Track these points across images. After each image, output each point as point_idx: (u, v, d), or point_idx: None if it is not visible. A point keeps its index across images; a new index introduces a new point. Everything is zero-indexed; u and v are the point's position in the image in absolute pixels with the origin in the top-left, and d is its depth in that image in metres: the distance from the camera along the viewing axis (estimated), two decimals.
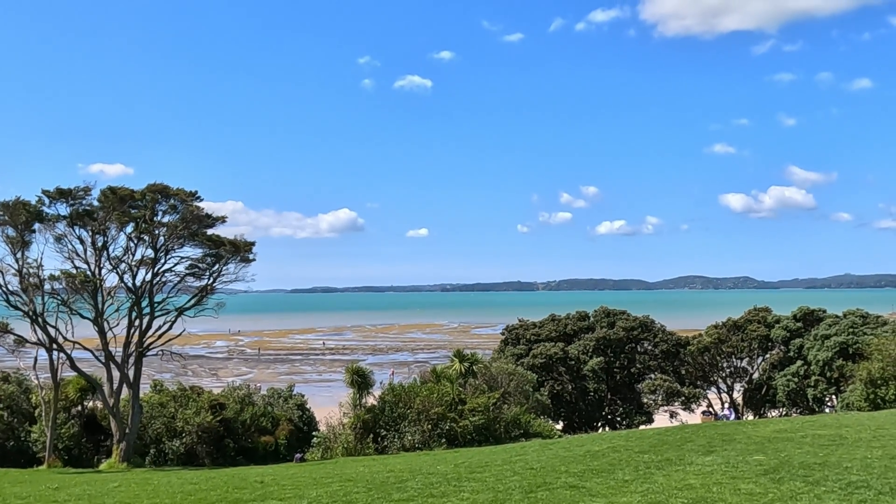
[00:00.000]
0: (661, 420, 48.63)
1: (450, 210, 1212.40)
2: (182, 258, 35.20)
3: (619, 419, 50.65)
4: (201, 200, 34.46)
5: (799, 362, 48.78)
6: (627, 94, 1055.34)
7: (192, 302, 35.38)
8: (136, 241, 33.73)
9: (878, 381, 32.48)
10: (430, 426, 30.64)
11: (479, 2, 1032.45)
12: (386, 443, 31.14)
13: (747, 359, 53.56)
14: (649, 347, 52.65)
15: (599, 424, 50.67)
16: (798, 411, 47.79)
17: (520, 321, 56.48)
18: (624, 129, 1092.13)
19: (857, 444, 15.40)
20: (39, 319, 32.12)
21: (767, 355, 52.66)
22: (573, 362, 50.46)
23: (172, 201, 33.48)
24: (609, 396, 51.86)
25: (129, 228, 33.57)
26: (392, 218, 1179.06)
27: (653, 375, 51.26)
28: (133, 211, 33.08)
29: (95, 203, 32.63)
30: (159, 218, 33.80)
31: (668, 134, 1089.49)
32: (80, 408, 38.62)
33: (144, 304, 34.42)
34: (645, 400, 50.36)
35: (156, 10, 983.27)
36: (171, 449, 35.28)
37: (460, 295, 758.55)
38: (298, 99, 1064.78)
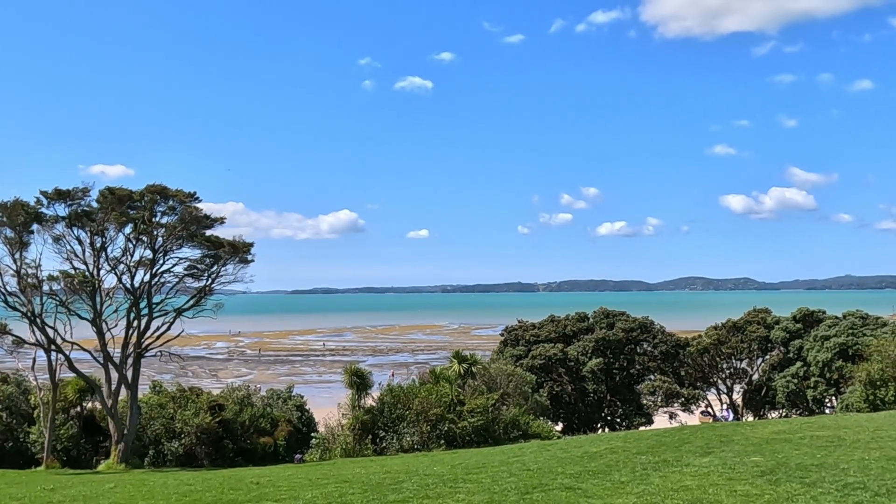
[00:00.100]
0: (660, 421, 48.56)
1: (450, 211, 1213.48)
2: (181, 259, 35.20)
3: (618, 420, 50.59)
4: (200, 201, 34.49)
5: (798, 363, 48.72)
6: (628, 96, 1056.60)
7: (191, 303, 35.34)
8: (134, 242, 33.71)
9: (878, 383, 32.41)
10: (428, 427, 30.57)
11: (480, 3, 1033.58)
12: (385, 444, 31.09)
13: (747, 360, 53.52)
14: (649, 348, 52.61)
15: (599, 425, 50.62)
16: (798, 413, 47.72)
17: (519, 322, 56.44)
18: (624, 130, 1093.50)
19: (855, 445, 15.37)
20: (38, 320, 32.11)
21: (767, 356, 52.62)
22: (572, 363, 50.42)
23: (171, 202, 33.46)
24: (608, 397, 51.82)
25: (128, 229, 33.55)
26: (392, 219, 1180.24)
27: (652, 376, 51.21)
28: (132, 212, 33.06)
29: (94, 204, 32.62)
30: (158, 219, 33.77)
31: (668, 135, 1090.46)
32: (78, 409, 38.59)
33: (143, 305, 34.39)
34: (644, 401, 50.30)
35: (157, 10, 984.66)
36: (169, 450, 35.21)
37: (461, 296, 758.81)
38: (299, 100, 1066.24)
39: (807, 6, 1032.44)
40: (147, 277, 34.29)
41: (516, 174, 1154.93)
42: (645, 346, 52.77)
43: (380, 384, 35.65)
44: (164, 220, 33.95)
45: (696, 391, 51.81)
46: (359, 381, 33.12)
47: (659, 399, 49.77)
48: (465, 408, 31.71)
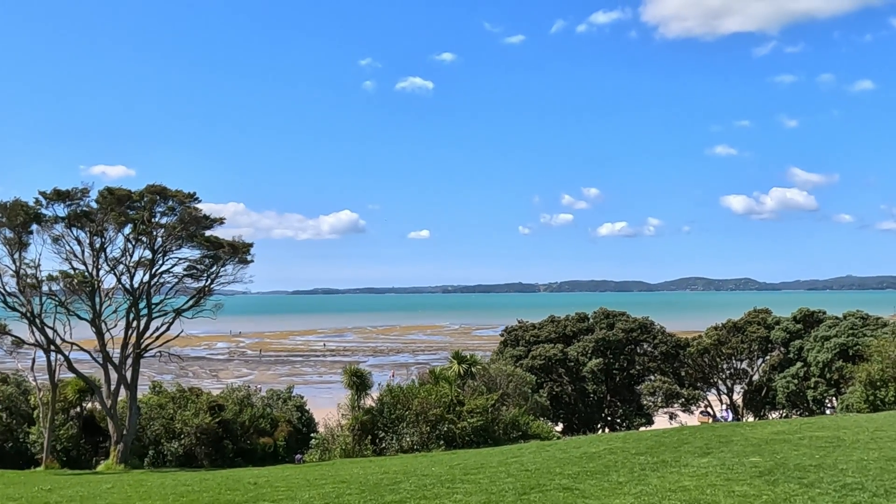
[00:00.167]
0: (660, 422, 48.51)
1: (451, 211, 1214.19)
2: (180, 259, 35.19)
3: (618, 421, 50.54)
4: (200, 202, 34.48)
5: (799, 364, 48.67)
6: (629, 96, 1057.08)
7: (190, 303, 35.33)
8: (134, 243, 33.71)
9: (878, 383, 32.37)
10: (428, 428, 30.53)
11: (481, 4, 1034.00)
12: (384, 444, 31.06)
13: (747, 360, 53.46)
14: (649, 349, 52.56)
15: (599, 426, 50.57)
16: (798, 413, 47.67)
17: (519, 322, 56.40)
18: (625, 130, 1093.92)
19: (855, 445, 15.33)
20: (37, 321, 32.10)
21: (767, 357, 52.56)
22: (572, 364, 50.38)
23: (171, 203, 33.44)
24: (608, 398, 51.77)
25: (128, 230, 33.54)
26: (393, 219, 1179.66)
27: (652, 377, 51.16)
28: (131, 212, 33.06)
29: (93, 204, 32.61)
30: (157, 219, 33.76)
31: (669, 135, 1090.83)
32: (78, 409, 38.61)
33: (142, 305, 34.39)
34: (644, 402, 50.24)
35: (158, 11, 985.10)
36: (169, 450, 35.21)
37: (461, 296, 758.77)
38: (300, 101, 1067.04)
39: (807, 6, 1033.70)
40: (146, 278, 34.30)
41: (517, 174, 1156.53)
42: (645, 346, 52.73)
43: (379, 384, 35.63)
44: (163, 221, 33.95)
45: (697, 392, 51.77)
46: (358, 382, 33.07)
47: (659, 399, 49.72)
48: (464, 408, 31.67)
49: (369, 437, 31.45)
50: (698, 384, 53.33)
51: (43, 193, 31.64)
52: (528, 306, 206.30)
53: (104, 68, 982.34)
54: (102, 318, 33.51)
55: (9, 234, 31.71)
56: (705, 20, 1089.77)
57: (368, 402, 33.68)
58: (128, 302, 34.22)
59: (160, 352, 35.23)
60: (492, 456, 19.14)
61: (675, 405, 50.20)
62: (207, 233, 35.14)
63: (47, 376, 33.91)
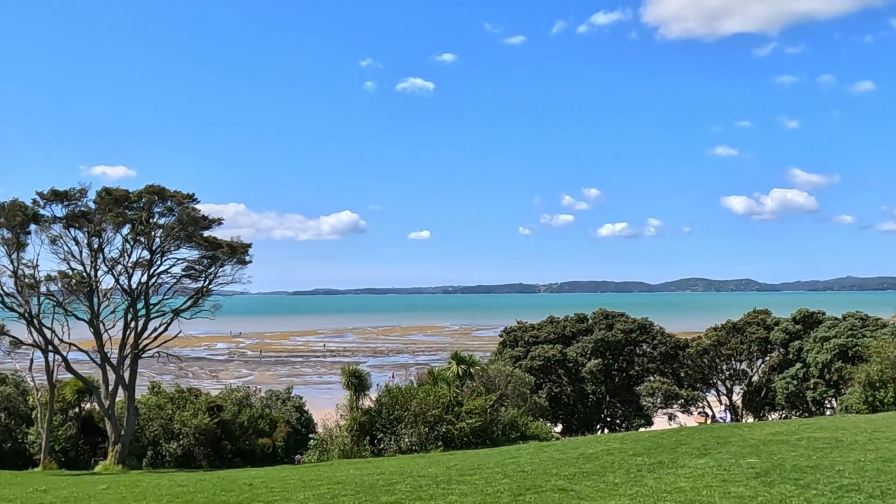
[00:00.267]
0: (660, 422, 48.46)
1: (451, 212, 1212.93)
2: (178, 260, 35.22)
3: (618, 422, 50.49)
4: (198, 203, 34.46)
5: (798, 365, 48.61)
6: (629, 97, 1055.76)
7: (189, 304, 35.31)
8: (132, 243, 33.69)
9: (877, 384, 32.36)
10: (426, 428, 30.51)
11: (481, 4, 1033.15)
12: (382, 445, 31.03)
13: (746, 361, 53.40)
14: (648, 350, 52.52)
15: (598, 427, 50.52)
16: (798, 414, 47.61)
17: (518, 323, 56.36)
18: (626, 131, 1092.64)
19: (852, 447, 15.28)
20: (35, 321, 32.07)
21: (767, 358, 52.50)
22: (571, 364, 50.32)
23: (169, 203, 33.42)
24: (608, 399, 51.72)
25: (126, 230, 33.52)
26: (394, 220, 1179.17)
27: (652, 378, 51.12)
28: (129, 213, 33.03)
29: (91, 205, 32.59)
30: (156, 220, 33.74)
31: (669, 136, 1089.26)
32: (77, 409, 38.60)
33: (140, 305, 34.36)
34: (644, 402, 50.18)
35: (159, 11, 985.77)
36: (168, 451, 35.19)
37: (462, 297, 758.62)
38: (300, 101, 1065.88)
39: (808, 7, 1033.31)
40: (144, 278, 34.29)
41: (517, 175, 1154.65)
42: (644, 347, 52.69)
43: (378, 385, 35.59)
44: (161, 221, 33.94)
45: (696, 392, 51.71)
46: (356, 383, 33.03)
47: (658, 400, 49.66)
48: (463, 409, 31.64)
49: (368, 437, 31.42)
50: (698, 385, 53.28)
51: (40, 194, 31.64)
52: (528, 307, 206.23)
53: (104, 68, 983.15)
54: (100, 318, 33.49)
55: (7, 234, 31.71)
56: (706, 21, 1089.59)
57: (367, 402, 33.65)
58: (126, 302, 34.20)
59: (158, 352, 35.20)
60: (489, 457, 19.10)
61: (675, 406, 50.16)
62: (206, 233, 35.13)
63: (45, 377, 33.88)
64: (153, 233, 33.54)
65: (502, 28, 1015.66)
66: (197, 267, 35.33)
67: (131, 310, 34.02)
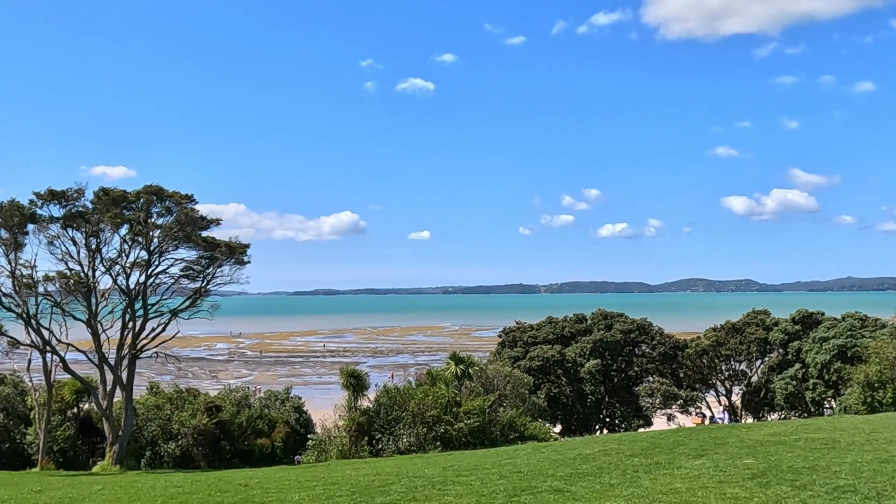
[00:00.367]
0: (659, 423, 48.41)
1: (452, 212, 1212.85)
2: (176, 260, 35.19)
3: (617, 422, 50.45)
4: (196, 203, 34.43)
5: (797, 365, 48.56)
6: (629, 97, 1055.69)
7: (187, 304, 35.27)
8: (130, 243, 33.64)
9: (876, 385, 32.30)
10: (424, 429, 30.46)
11: (482, 5, 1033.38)
12: (381, 445, 30.99)
13: (746, 362, 53.34)
14: (647, 350, 52.49)
15: (597, 427, 50.47)
16: (797, 414, 47.56)
17: (517, 323, 56.34)
18: (626, 131, 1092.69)
19: (850, 447, 15.24)
20: (33, 321, 32.03)
21: (766, 358, 52.43)
22: (570, 365, 50.27)
23: (167, 203, 33.37)
24: (607, 399, 51.67)
25: (124, 230, 33.47)
26: (394, 220, 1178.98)
27: (651, 378, 51.08)
28: (127, 213, 32.98)
29: (89, 205, 32.54)
30: (154, 220, 33.70)
31: (670, 136, 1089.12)
32: (75, 410, 38.57)
33: (138, 306, 34.32)
34: (642, 403, 50.12)
35: (160, 11, 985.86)
36: (166, 451, 35.16)
37: (462, 297, 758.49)
38: (301, 101, 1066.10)
39: (808, 8, 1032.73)
40: (142, 278, 34.24)
41: (518, 176, 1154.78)
42: (643, 347, 52.66)
43: (376, 385, 35.55)
44: (160, 222, 33.89)
45: (695, 393, 51.66)
46: (355, 383, 33.00)
47: (657, 401, 49.61)
48: (461, 409, 31.59)
49: (366, 438, 31.37)
50: (697, 386, 53.22)
51: (38, 194, 31.61)
52: (528, 307, 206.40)
53: (104, 68, 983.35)
54: (98, 318, 33.44)
55: (4, 234, 31.68)
56: (706, 21, 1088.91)
57: (365, 403, 33.61)
58: (124, 303, 34.16)
59: (157, 353, 35.16)
60: (486, 457, 19.04)
61: (674, 407, 50.10)
62: (204, 234, 35.09)
63: (43, 377, 33.84)
64: (151, 233, 33.50)
65: (502, 28, 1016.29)
66: (195, 267, 35.30)
67: (129, 310, 33.98)
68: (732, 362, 53.35)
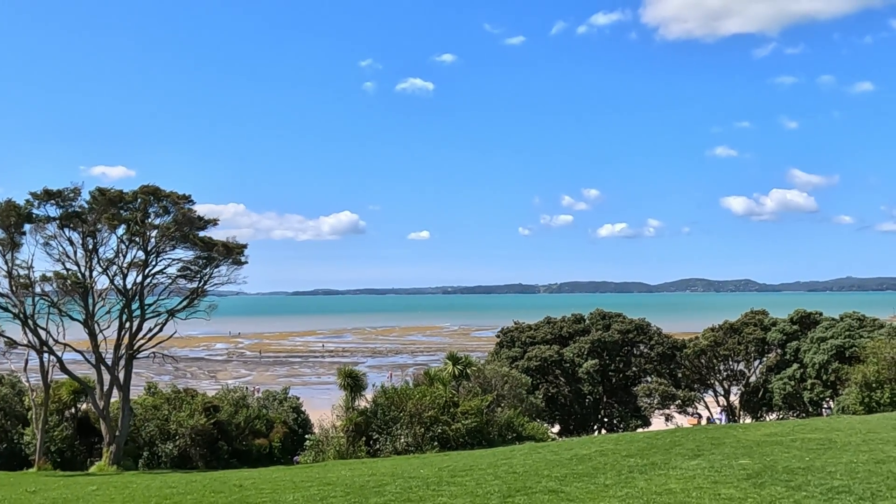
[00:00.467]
0: (658, 423, 48.39)
1: (451, 212, 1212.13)
2: (174, 260, 35.11)
3: (615, 422, 50.42)
4: (194, 203, 34.37)
5: (795, 365, 48.54)
6: (629, 97, 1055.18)
7: (184, 304, 35.22)
8: (127, 244, 33.58)
9: (874, 385, 32.26)
10: (422, 429, 30.45)
11: (481, 5, 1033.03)
12: (378, 446, 30.98)
13: (744, 362, 53.32)
14: (645, 350, 52.45)
15: (595, 427, 50.44)
16: (795, 415, 47.53)
17: (515, 323, 56.31)
18: (625, 131, 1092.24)
19: (846, 448, 15.22)
20: (30, 322, 31.98)
21: (764, 358, 52.42)
22: (568, 365, 50.24)
23: (164, 203, 33.32)
24: (605, 399, 51.65)
25: (121, 230, 33.43)
26: (393, 220, 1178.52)
27: (649, 378, 51.05)
28: (124, 213, 32.93)
29: (85, 205, 32.49)
30: (151, 220, 33.65)
31: (669, 137, 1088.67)
32: (73, 410, 38.51)
33: (135, 306, 34.27)
34: (641, 403, 50.09)
35: (159, 11, 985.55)
36: (164, 451, 35.10)
37: (461, 297, 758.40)
38: (300, 101, 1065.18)
39: (808, 8, 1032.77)
40: (140, 279, 34.19)
41: (517, 176, 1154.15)
42: (641, 347, 52.63)
43: (373, 385, 35.53)
44: (157, 222, 33.84)
45: (693, 393, 51.64)
46: (352, 383, 32.98)
47: (655, 401, 49.58)
48: (458, 410, 31.57)
49: (363, 438, 31.35)
50: (695, 386, 53.20)
51: (34, 194, 31.54)
52: (527, 307, 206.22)
53: (104, 68, 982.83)
54: (95, 319, 33.39)
55: (1, 234, 31.60)
56: (705, 21, 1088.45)
57: (363, 403, 33.58)
58: (121, 303, 34.11)
59: (154, 353, 35.12)
60: (483, 458, 19.02)
61: (672, 407, 50.08)
62: (202, 233, 35.04)
63: (40, 377, 33.79)
64: (148, 233, 33.44)
65: (502, 28, 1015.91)
66: (192, 267, 35.24)
67: (126, 310, 33.93)
68: (730, 362, 53.31)
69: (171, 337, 35.12)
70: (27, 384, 36.16)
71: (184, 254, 35.12)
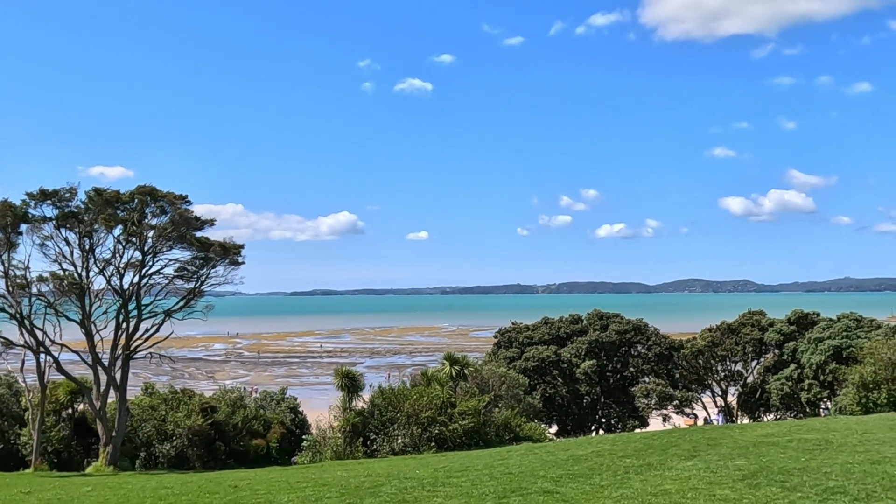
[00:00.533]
0: (655, 424, 48.40)
1: (450, 213, 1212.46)
2: (171, 261, 35.11)
3: (613, 423, 50.45)
4: (191, 203, 34.37)
5: (793, 366, 48.58)
6: (627, 98, 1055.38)
7: (181, 304, 35.20)
8: (124, 244, 33.55)
9: (871, 385, 32.26)
10: (419, 430, 30.42)
11: (480, 5, 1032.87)
12: (375, 446, 30.94)
13: (741, 362, 53.37)
14: (643, 351, 52.48)
15: (593, 428, 50.47)
16: (792, 415, 47.57)
17: (513, 324, 56.32)
18: (624, 132, 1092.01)
19: (842, 448, 15.22)
20: (26, 322, 31.94)
21: (762, 359, 52.46)
22: (566, 365, 50.27)
23: (161, 203, 33.29)
24: (602, 400, 51.67)
25: (118, 231, 33.39)
26: (392, 221, 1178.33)
27: (646, 379, 51.07)
28: (121, 213, 32.89)
29: (82, 205, 32.45)
30: (148, 220, 33.62)
31: (668, 137, 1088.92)
32: (70, 410, 38.45)
33: (132, 306, 34.24)
34: (638, 404, 50.12)
35: (158, 11, 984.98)
36: (161, 452, 35.08)
37: (460, 298, 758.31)
38: (299, 102, 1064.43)
39: (806, 9, 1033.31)
40: (136, 279, 34.15)
41: (516, 176, 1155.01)
42: (639, 348, 52.66)
43: (370, 385, 35.49)
44: (154, 222, 33.81)
45: (690, 394, 51.67)
46: (349, 383, 32.94)
47: (653, 402, 49.61)
48: (456, 410, 31.55)
49: (360, 439, 31.31)
50: (692, 386, 53.23)
51: (30, 194, 31.52)
52: (526, 308, 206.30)
53: (102, 68, 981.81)
54: (92, 319, 33.35)
55: None
56: (704, 22, 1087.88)
57: (360, 403, 33.55)
58: (118, 303, 34.08)
59: (150, 353, 35.09)
60: (479, 458, 18.99)
61: (669, 407, 50.11)
62: (199, 234, 35.03)
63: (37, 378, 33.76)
64: (145, 233, 33.41)
65: (501, 29, 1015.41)
66: (189, 268, 35.23)
67: (123, 311, 33.89)
68: (728, 363, 53.37)
69: (167, 337, 35.09)
70: (24, 385, 36.11)
71: (181, 254, 35.17)
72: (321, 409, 41.13)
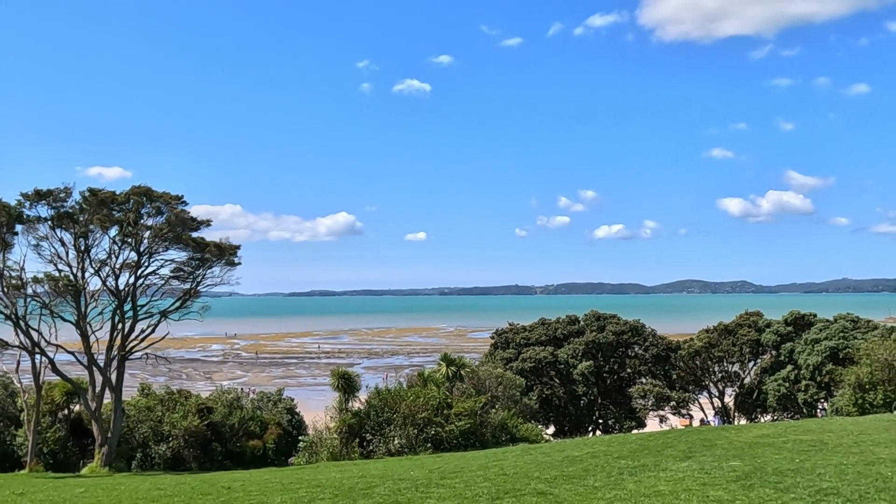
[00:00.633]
0: (652, 425, 48.40)
1: (448, 214, 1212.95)
2: (166, 261, 35.02)
3: (610, 423, 50.42)
4: (187, 204, 34.27)
5: (789, 367, 48.59)
6: (626, 99, 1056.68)
7: (177, 305, 35.12)
8: (119, 244, 33.47)
9: (867, 386, 32.30)
10: (415, 431, 30.36)
11: (478, 6, 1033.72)
12: (371, 447, 30.87)
13: (738, 363, 53.37)
14: (640, 352, 52.46)
15: (590, 428, 50.44)
16: (789, 416, 47.60)
17: (510, 325, 56.27)
18: (622, 133, 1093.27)
19: (836, 449, 15.20)
20: (22, 323, 31.86)
21: (758, 360, 52.47)
22: (563, 366, 50.25)
23: (157, 204, 33.20)
24: (599, 401, 51.64)
25: (113, 231, 33.29)
26: (390, 221, 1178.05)
27: (643, 380, 51.06)
28: (116, 213, 32.80)
29: (77, 206, 32.36)
30: (144, 221, 33.54)
31: (666, 138, 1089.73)
32: (66, 411, 38.38)
33: (128, 307, 34.16)
34: (635, 404, 50.12)
35: (157, 11, 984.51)
36: (157, 453, 35.02)
37: (458, 298, 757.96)
38: (297, 102, 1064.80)
39: (804, 10, 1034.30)
40: (132, 280, 34.08)
41: (514, 177, 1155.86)
42: (636, 349, 52.65)
43: (367, 386, 35.44)
44: (149, 223, 33.72)
45: (687, 395, 51.66)
46: (346, 384, 32.88)
47: (650, 403, 49.61)
48: (452, 411, 31.49)
49: (357, 439, 31.25)
50: (689, 387, 53.23)
51: (24, 194, 31.43)
52: (524, 308, 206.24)
53: (101, 68, 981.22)
54: (87, 320, 33.27)
55: None
56: (702, 23, 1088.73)
57: (357, 404, 33.49)
58: (113, 304, 33.99)
59: (146, 354, 35.01)
60: (474, 459, 18.97)
61: (666, 408, 50.10)
62: (195, 234, 34.94)
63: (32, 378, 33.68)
64: (141, 234, 33.32)
65: (499, 30, 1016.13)
66: (185, 268, 35.14)
67: (118, 311, 33.81)
68: (725, 364, 53.39)
69: (163, 338, 35.04)
70: (19, 385, 36.02)
71: (177, 255, 35.07)
72: (318, 409, 41.04)
